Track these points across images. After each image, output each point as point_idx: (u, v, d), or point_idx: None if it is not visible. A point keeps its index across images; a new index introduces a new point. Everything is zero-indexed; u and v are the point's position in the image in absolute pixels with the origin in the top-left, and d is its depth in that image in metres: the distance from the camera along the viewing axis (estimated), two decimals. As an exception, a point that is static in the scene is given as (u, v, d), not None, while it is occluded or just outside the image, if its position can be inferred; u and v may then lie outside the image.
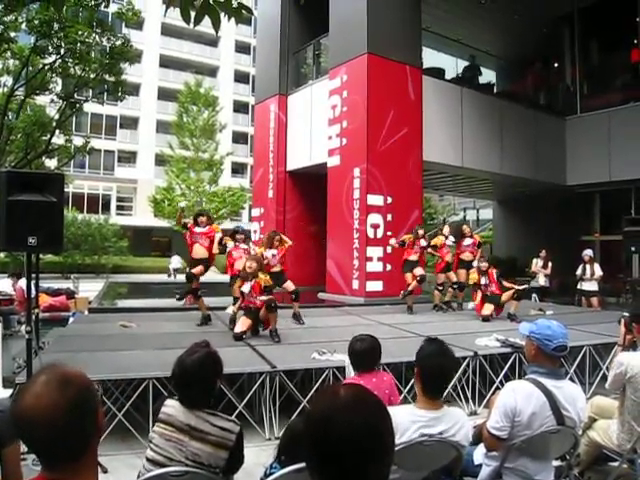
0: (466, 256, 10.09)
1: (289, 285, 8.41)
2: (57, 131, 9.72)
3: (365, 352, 3.40)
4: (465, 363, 5.72)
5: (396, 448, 2.44)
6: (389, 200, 12.44)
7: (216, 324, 7.84)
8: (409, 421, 2.54)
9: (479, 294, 8.85)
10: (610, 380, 3.49)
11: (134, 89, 37.77)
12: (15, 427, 1.33)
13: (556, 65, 19.07)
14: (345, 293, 12.41)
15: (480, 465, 2.91)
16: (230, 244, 8.39)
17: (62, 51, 8.82)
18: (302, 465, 2.18)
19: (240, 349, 6.18)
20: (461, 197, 28.20)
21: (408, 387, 5.39)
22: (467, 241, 10.11)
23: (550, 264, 12.76)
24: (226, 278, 8.73)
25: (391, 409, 2.63)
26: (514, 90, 18.27)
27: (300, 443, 2.73)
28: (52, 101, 9.67)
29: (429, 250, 10.04)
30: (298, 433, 2.79)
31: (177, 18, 2.62)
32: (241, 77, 46.52)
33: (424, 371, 2.62)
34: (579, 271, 11.68)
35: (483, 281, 8.79)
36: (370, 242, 12.13)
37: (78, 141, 10.47)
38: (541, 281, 13.04)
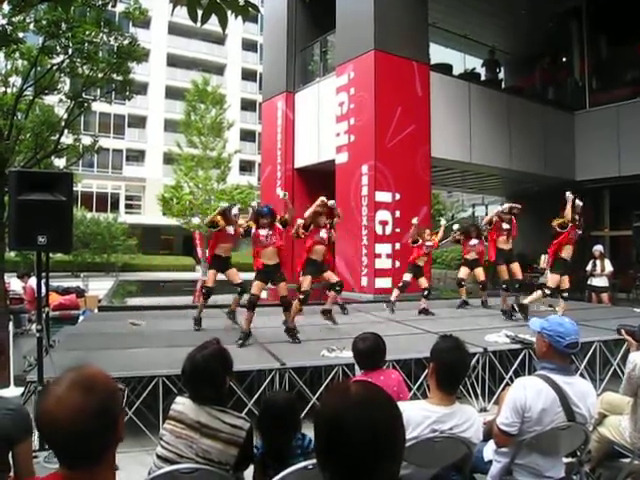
0: (470, 255, 9.83)
1: None
2: (66, 131, 9.73)
3: (369, 351, 3.39)
4: (475, 359, 5.71)
5: (406, 444, 2.45)
6: (397, 197, 12.43)
7: (226, 322, 7.85)
8: (422, 416, 2.55)
9: None
10: (624, 380, 3.44)
11: (142, 88, 37.87)
12: (37, 425, 1.35)
13: (564, 60, 18.94)
14: (354, 290, 12.41)
15: (490, 462, 2.91)
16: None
17: (70, 51, 8.83)
18: (308, 463, 2.19)
19: (250, 346, 6.20)
20: (470, 193, 28.07)
21: (417, 384, 5.40)
22: (473, 241, 9.83)
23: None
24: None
25: (404, 404, 2.66)
26: (522, 85, 18.17)
27: (272, 415, 2.75)
28: (60, 101, 9.67)
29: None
30: (270, 405, 2.81)
31: (184, 17, 2.62)
32: (248, 75, 46.51)
33: (440, 367, 2.63)
34: (589, 267, 11.61)
35: None
36: (379, 239, 12.14)
37: (86, 140, 10.48)
38: (550, 277, 12.96)
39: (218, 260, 7.69)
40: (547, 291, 8.17)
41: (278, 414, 2.69)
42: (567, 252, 8.34)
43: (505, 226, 8.81)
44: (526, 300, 8.36)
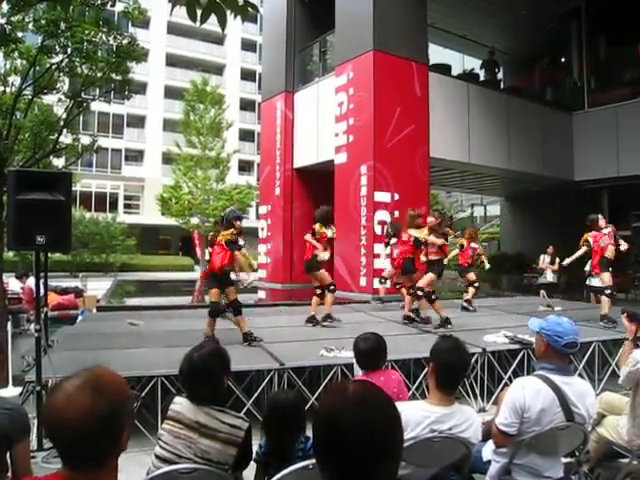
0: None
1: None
2: (65, 130, 9.71)
3: (370, 351, 3.38)
4: (473, 359, 5.70)
5: (405, 444, 2.45)
6: (396, 197, 12.43)
7: (225, 322, 7.84)
8: (421, 416, 2.55)
9: None
10: (624, 377, 3.43)
11: (141, 88, 37.89)
12: (43, 420, 1.34)
13: (563, 60, 18.97)
14: (352, 290, 12.41)
15: (489, 461, 2.91)
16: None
17: (69, 50, 8.81)
18: (308, 462, 2.19)
19: (248, 346, 6.19)
20: (468, 193, 28.13)
21: (416, 384, 5.40)
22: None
23: (557, 260, 12.71)
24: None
25: (403, 404, 2.66)
26: (521, 85, 18.19)
27: (278, 414, 2.74)
28: (59, 100, 9.66)
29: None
30: (276, 404, 2.80)
31: (183, 16, 2.62)
32: (248, 75, 46.56)
33: (439, 367, 2.63)
34: (587, 267, 11.60)
35: None
36: (377, 239, 12.12)
37: (85, 140, 10.46)
38: (549, 277, 12.99)
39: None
40: (607, 292, 8.44)
41: (283, 415, 2.69)
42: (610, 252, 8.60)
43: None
44: (604, 311, 8.30)
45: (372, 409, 1.24)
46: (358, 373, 3.56)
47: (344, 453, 1.20)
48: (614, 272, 9.08)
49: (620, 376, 3.47)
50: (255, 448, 2.74)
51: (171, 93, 42.24)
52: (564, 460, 2.95)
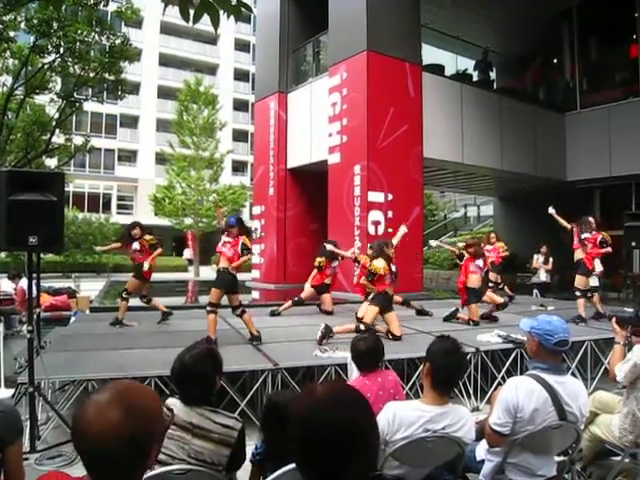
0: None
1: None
2: (57, 130, 9.68)
3: (368, 351, 3.38)
4: (467, 359, 5.71)
5: (399, 443, 2.46)
6: (390, 197, 12.44)
7: (219, 323, 7.83)
8: (415, 416, 2.55)
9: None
10: (627, 371, 3.35)
11: (134, 88, 37.74)
12: (72, 432, 1.31)
13: (555, 61, 19.03)
14: (347, 290, 12.40)
15: (482, 461, 2.92)
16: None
17: (61, 50, 8.79)
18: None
19: (242, 347, 6.18)
20: (462, 194, 28.18)
21: (410, 384, 5.40)
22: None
23: (551, 259, 12.74)
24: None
25: (397, 404, 2.67)
26: (514, 86, 18.24)
27: (275, 414, 2.74)
28: (52, 100, 9.63)
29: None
30: (273, 404, 2.79)
31: (176, 16, 2.62)
32: (241, 75, 46.49)
33: (436, 368, 2.63)
34: (579, 267, 11.63)
35: None
36: (371, 239, 12.09)
37: (78, 140, 10.44)
38: (542, 277, 13.02)
39: None
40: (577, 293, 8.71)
41: (279, 415, 2.68)
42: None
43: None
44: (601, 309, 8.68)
45: (341, 410, 1.26)
46: (353, 373, 3.55)
47: (317, 454, 1.22)
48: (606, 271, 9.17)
49: (617, 374, 3.42)
50: (251, 449, 2.74)
51: (164, 93, 42.11)
52: (557, 459, 2.97)
